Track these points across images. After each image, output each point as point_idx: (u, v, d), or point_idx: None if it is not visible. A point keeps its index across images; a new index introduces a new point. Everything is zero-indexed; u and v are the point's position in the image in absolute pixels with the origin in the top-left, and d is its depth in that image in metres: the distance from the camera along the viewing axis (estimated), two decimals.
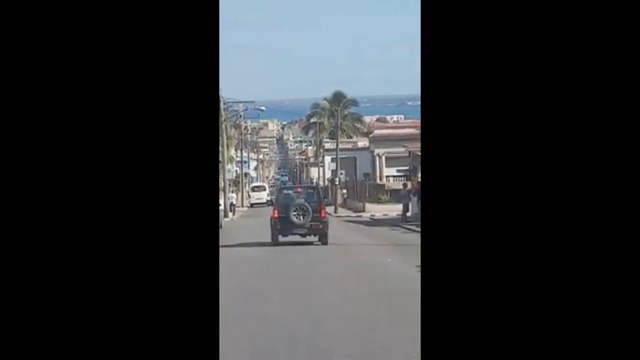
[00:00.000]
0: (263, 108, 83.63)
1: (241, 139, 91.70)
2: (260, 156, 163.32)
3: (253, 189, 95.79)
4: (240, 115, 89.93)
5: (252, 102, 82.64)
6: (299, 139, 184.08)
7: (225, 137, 69.08)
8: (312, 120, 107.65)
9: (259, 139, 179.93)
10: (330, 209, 57.79)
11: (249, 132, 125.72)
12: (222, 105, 68.45)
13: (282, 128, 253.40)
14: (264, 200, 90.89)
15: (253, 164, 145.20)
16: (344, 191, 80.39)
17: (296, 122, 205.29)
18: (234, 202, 74.13)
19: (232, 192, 78.89)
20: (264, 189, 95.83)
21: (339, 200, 78.37)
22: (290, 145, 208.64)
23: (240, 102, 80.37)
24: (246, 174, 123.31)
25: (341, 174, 79.19)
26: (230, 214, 65.05)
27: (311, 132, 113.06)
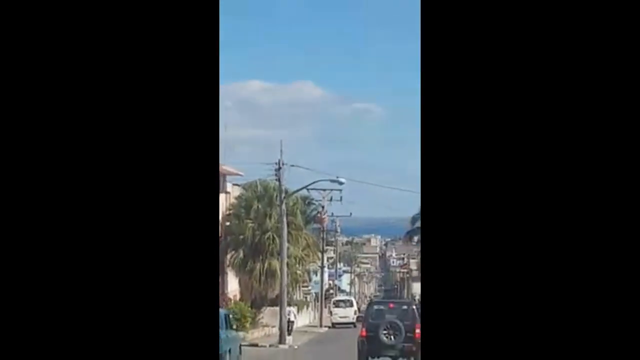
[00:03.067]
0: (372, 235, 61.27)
1: (322, 236, 67.10)
2: (358, 269, 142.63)
3: (336, 304, 70.73)
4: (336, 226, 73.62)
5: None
6: (402, 256, 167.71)
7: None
8: (416, 224, 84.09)
9: (360, 255, 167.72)
10: None
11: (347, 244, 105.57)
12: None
13: (385, 245, 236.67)
14: (351, 320, 66.02)
15: (347, 278, 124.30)
16: None
17: (400, 239, 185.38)
18: (292, 319, 49.90)
19: (293, 304, 54.60)
20: (351, 304, 70.85)
21: None
22: (393, 262, 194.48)
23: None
24: (337, 288, 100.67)
25: None
26: (287, 337, 40.81)
27: (416, 239, 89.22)
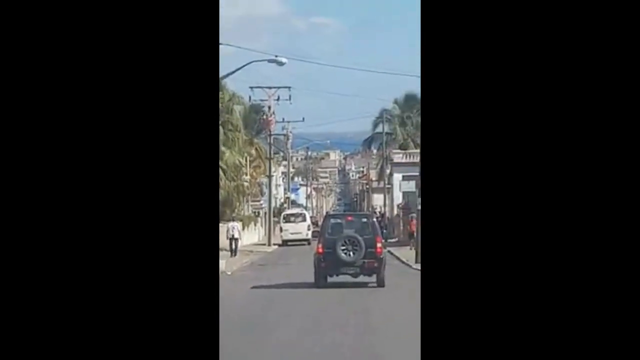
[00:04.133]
0: (328, 141, 69.34)
1: (269, 141, 57.27)
2: (316, 182, 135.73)
3: (287, 219, 59.64)
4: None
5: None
6: (361, 169, 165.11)
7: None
8: (377, 130, 75.66)
9: (319, 169, 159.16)
10: (405, 252, 40.36)
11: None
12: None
13: (345, 159, 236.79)
14: (304, 237, 56.79)
15: (305, 192, 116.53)
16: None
17: (359, 152, 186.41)
18: (237, 236, 40.77)
19: (237, 220, 45.56)
20: (304, 219, 59.66)
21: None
22: (352, 176, 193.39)
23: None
24: (293, 202, 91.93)
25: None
26: (225, 261, 31.74)
27: (375, 149, 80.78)
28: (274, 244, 56.36)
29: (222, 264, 33.37)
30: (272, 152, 59.25)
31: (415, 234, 38.94)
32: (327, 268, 23.89)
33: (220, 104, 37.87)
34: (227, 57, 27.82)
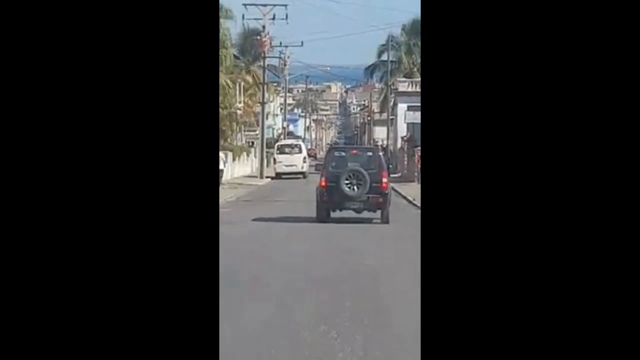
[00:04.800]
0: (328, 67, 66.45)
1: (263, 65, 51.53)
2: (316, 115, 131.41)
3: (281, 150, 53.99)
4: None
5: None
6: (363, 101, 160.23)
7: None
8: (382, 58, 70.61)
9: (320, 102, 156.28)
10: (409, 189, 36.67)
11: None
12: None
13: (346, 92, 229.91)
14: (299, 169, 51.55)
15: (304, 123, 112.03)
16: None
17: (361, 85, 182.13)
18: (222, 167, 35.88)
19: (225, 150, 40.54)
20: (299, 150, 54.09)
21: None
22: (354, 109, 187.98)
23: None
24: (291, 133, 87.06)
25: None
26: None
27: (377, 77, 75.61)
28: (267, 177, 51.25)
29: None
30: (265, 77, 53.39)
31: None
32: (329, 202, 23.15)
33: None
34: None
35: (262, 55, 51.09)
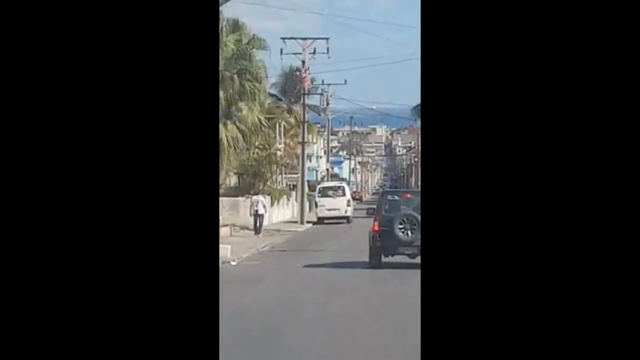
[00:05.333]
0: (374, 107, 64.10)
1: (303, 101, 47.91)
2: (361, 157, 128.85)
3: (323, 193, 49.54)
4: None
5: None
6: (408, 144, 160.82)
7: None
8: None
9: (365, 144, 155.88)
10: None
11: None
12: None
13: (391, 134, 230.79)
14: (343, 214, 47.93)
15: (349, 166, 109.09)
16: None
17: (406, 128, 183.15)
18: (262, 211, 32.37)
19: (264, 193, 37.21)
20: (343, 193, 49.83)
21: None
22: (399, 151, 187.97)
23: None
24: (335, 175, 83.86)
25: None
26: (230, 247, 23.32)
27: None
28: (308, 222, 47.65)
29: (227, 249, 24.83)
30: (307, 115, 49.99)
31: None
32: (383, 247, 22.50)
33: (235, 48, 29.16)
34: None
35: (303, 92, 47.68)
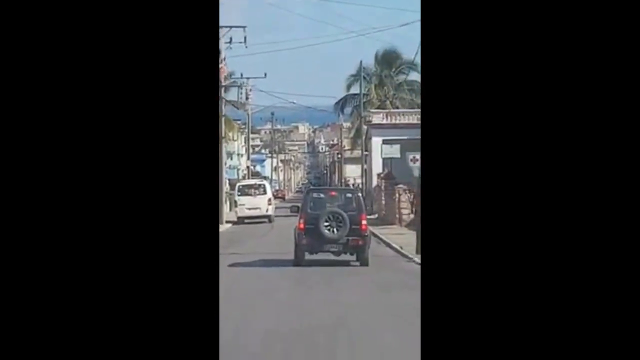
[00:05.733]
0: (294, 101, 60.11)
1: (219, 96, 44.98)
2: (283, 156, 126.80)
3: (243, 191, 46.76)
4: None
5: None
6: (331, 141, 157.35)
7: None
8: (351, 91, 65.10)
9: (288, 142, 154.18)
10: (393, 235, 31.67)
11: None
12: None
13: (314, 132, 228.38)
14: (264, 212, 45.18)
15: (271, 164, 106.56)
16: (411, 198, 37.94)
17: (328, 125, 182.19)
18: None
19: None
20: (264, 191, 47.17)
21: (405, 216, 38.73)
22: (322, 149, 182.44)
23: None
24: (257, 173, 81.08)
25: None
26: None
27: (348, 111, 69.87)
28: (228, 222, 44.79)
29: None
30: (224, 108, 47.06)
31: (414, 213, 30.86)
32: (308, 245, 22.48)
33: None
34: None
35: (220, 84, 44.81)
